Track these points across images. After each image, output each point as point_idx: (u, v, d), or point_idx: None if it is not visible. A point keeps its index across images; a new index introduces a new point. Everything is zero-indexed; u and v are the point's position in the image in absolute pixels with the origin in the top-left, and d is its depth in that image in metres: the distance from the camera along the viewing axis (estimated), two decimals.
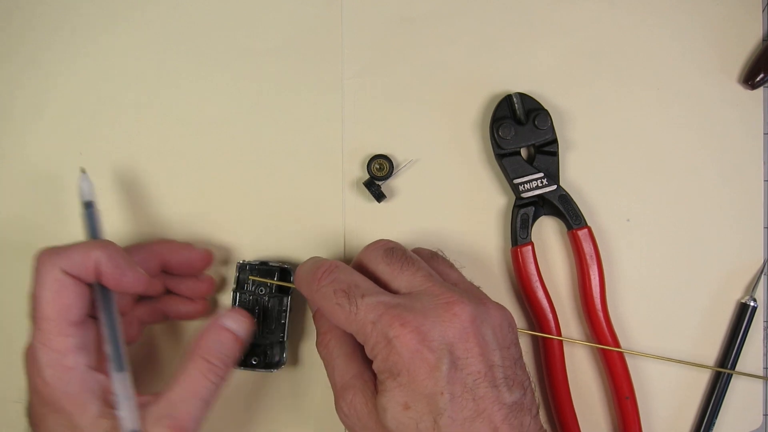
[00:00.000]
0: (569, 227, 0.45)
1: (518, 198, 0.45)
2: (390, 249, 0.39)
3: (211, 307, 0.45)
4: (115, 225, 0.46)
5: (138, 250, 0.42)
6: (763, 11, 0.47)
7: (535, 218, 0.45)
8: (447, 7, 0.47)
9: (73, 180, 0.46)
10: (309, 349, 0.46)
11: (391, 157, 0.46)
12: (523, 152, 0.46)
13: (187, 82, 0.46)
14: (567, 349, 0.45)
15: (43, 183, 0.46)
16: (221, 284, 0.46)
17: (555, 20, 0.47)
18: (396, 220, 0.46)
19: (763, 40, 0.47)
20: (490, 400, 0.34)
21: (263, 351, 0.44)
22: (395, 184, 0.46)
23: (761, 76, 0.46)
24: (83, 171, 0.41)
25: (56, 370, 0.35)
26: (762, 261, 0.46)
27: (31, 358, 0.36)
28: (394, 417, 0.34)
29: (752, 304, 0.46)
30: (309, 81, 0.46)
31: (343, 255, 0.46)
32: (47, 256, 0.36)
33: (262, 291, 0.43)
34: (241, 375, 0.45)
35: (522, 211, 0.45)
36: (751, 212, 0.47)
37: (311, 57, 0.46)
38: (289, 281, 0.44)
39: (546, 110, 0.45)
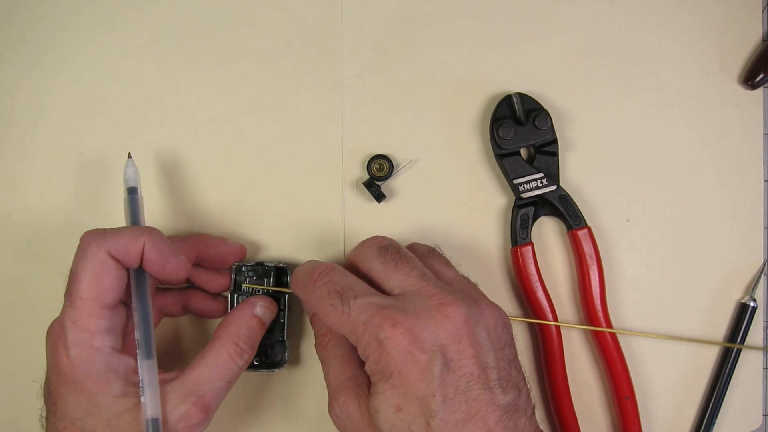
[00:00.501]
0: (569, 227, 0.45)
1: (518, 198, 0.45)
2: (384, 247, 0.38)
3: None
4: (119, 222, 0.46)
5: (176, 240, 0.42)
6: (763, 11, 0.47)
7: (535, 218, 0.45)
8: (447, 7, 0.47)
9: (73, 180, 0.46)
10: (309, 349, 0.46)
11: (391, 157, 0.45)
12: (523, 152, 0.46)
13: (187, 82, 0.46)
14: (567, 349, 0.45)
15: (44, 183, 0.46)
16: None
17: (555, 20, 0.47)
18: (396, 221, 0.46)
19: (763, 40, 0.47)
20: (484, 402, 0.34)
21: (264, 351, 0.44)
22: (395, 184, 0.46)
23: (761, 76, 0.46)
24: (129, 156, 0.41)
25: (83, 350, 0.35)
26: (762, 261, 0.46)
27: (57, 334, 0.36)
28: (386, 419, 0.34)
29: (752, 304, 0.46)
30: (309, 81, 0.46)
31: (343, 255, 0.46)
32: (93, 237, 0.36)
33: (259, 292, 0.43)
34: (242, 375, 0.45)
35: (522, 211, 0.45)
36: (751, 212, 0.46)
37: (311, 57, 0.46)
38: (286, 280, 0.44)
39: (546, 110, 0.45)
